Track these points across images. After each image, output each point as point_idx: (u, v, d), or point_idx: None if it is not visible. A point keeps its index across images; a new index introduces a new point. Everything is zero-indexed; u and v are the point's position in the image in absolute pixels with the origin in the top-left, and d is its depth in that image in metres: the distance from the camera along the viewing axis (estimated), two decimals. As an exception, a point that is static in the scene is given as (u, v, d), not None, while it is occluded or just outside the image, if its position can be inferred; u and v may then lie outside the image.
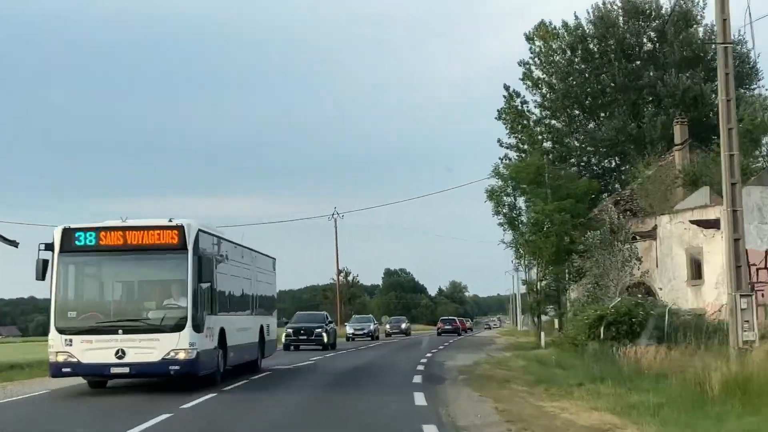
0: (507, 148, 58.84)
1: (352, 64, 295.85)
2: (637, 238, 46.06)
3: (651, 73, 56.30)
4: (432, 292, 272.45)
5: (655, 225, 46.69)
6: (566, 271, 48.21)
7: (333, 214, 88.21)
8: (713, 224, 42.95)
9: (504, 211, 49.24)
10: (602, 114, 57.82)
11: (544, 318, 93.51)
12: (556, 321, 53.87)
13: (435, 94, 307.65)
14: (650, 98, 56.18)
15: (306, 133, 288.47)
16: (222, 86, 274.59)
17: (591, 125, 59.10)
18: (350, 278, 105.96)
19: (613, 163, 59.95)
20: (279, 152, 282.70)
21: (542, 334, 48.41)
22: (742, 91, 56.95)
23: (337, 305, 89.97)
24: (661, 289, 44.93)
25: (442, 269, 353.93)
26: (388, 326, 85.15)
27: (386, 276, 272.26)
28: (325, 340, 46.94)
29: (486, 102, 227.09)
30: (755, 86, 57.70)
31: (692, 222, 43.35)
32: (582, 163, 59.54)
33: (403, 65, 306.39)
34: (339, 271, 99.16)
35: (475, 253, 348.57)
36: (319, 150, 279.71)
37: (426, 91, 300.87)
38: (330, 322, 50.59)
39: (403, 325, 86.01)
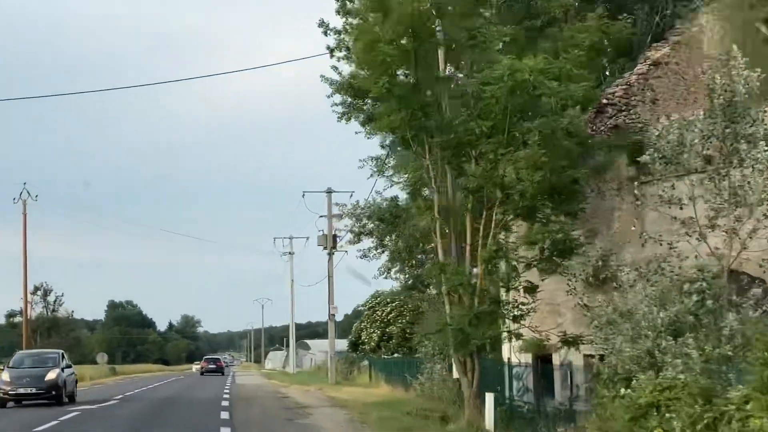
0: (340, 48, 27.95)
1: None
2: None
3: None
4: (162, 326, 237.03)
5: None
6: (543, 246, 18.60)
7: (21, 194, 54.86)
8: None
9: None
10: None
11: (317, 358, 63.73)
12: (471, 373, 23.35)
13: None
14: None
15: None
16: None
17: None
18: (53, 299, 71.22)
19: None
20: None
21: (485, 400, 18.43)
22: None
23: (24, 337, 55.97)
24: None
25: (172, 302, 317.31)
26: None
27: (110, 309, 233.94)
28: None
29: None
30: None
31: None
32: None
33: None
34: (31, 291, 65.66)
35: (208, 286, 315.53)
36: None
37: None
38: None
39: None
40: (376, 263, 36.05)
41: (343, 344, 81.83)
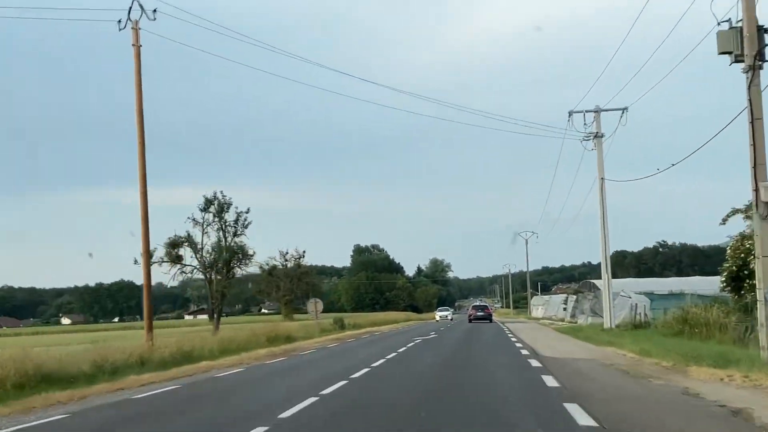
0: None
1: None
2: None
3: None
4: (410, 271, 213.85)
5: None
6: None
7: (129, 12, 28.76)
8: None
9: None
10: None
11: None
12: None
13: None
14: None
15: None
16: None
17: None
18: (232, 217, 43.00)
19: None
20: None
21: None
22: None
23: (144, 274, 29.59)
24: None
25: (421, 245, 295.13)
26: None
27: (356, 253, 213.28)
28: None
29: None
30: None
31: None
32: None
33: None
34: (201, 207, 40.21)
35: (457, 231, 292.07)
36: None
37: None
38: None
39: None
40: None
41: (704, 283, 52.20)
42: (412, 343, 33.92)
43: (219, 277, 42.04)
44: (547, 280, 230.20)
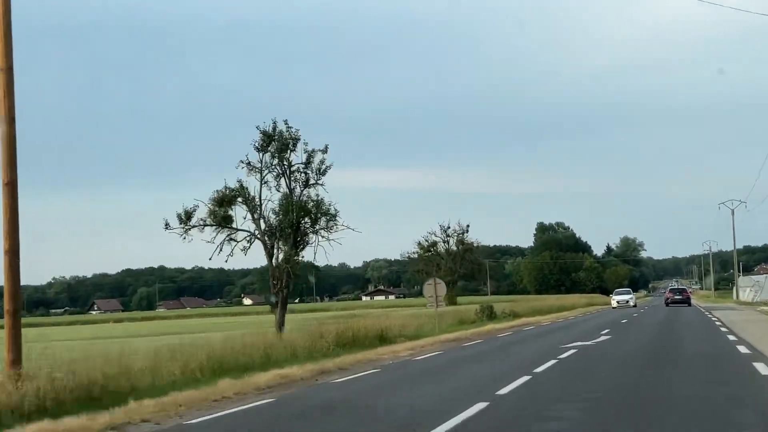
0: None
1: None
2: None
3: None
4: (598, 251, 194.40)
5: None
6: None
7: None
8: None
9: None
10: None
11: None
12: None
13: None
14: None
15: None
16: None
17: None
18: (301, 149, 28.08)
19: None
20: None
21: None
22: None
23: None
24: None
25: (608, 224, 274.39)
26: None
27: (539, 232, 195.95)
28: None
29: None
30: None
31: None
32: None
33: None
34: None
35: (650, 207, 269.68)
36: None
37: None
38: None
39: None
40: None
41: None
42: (555, 360, 18.68)
43: (285, 248, 28.08)
44: (749, 259, 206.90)
